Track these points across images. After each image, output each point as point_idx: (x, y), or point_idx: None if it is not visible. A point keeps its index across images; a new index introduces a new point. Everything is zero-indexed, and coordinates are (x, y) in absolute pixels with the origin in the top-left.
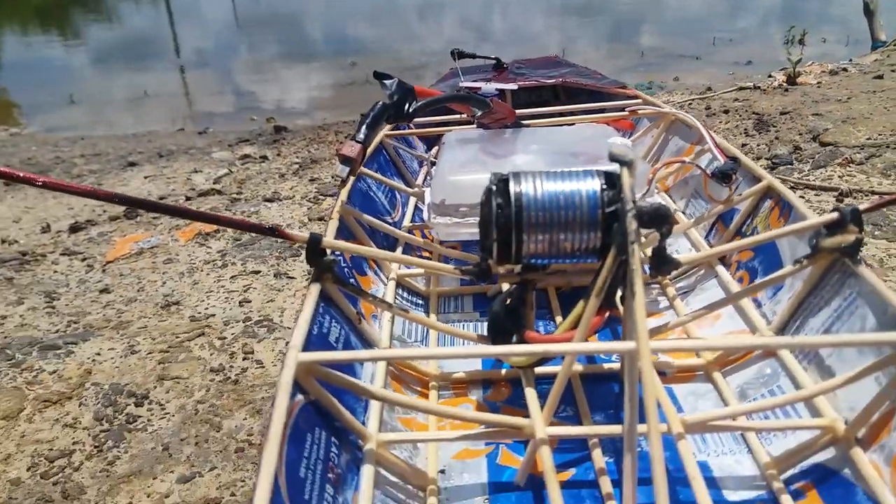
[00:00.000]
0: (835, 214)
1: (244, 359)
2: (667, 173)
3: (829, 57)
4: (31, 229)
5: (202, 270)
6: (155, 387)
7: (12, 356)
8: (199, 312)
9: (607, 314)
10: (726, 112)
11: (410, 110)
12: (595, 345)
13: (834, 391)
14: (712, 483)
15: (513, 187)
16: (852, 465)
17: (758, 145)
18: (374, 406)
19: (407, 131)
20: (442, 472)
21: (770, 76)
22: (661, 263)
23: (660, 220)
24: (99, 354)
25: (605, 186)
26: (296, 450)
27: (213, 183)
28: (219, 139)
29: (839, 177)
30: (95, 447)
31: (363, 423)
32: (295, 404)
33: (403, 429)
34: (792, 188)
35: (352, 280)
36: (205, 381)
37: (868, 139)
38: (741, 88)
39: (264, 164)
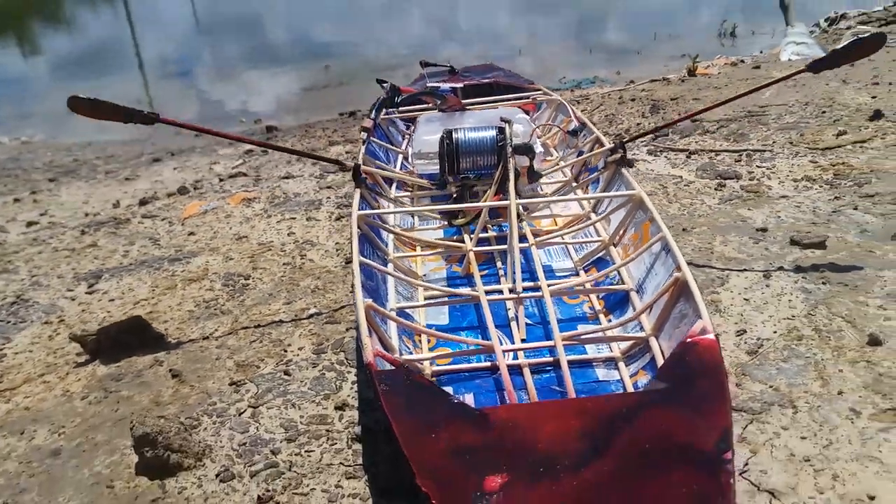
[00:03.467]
0: (613, 146)
1: (301, 258)
2: (550, 133)
3: (757, 46)
4: (103, 207)
5: (254, 220)
6: (251, 273)
7: (151, 265)
8: (263, 241)
9: (500, 196)
10: (633, 100)
11: (398, 101)
12: (494, 203)
13: (607, 220)
14: (548, 269)
15: (453, 135)
16: (610, 257)
17: (648, 123)
18: (391, 241)
19: (394, 115)
20: (425, 275)
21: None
22: (532, 174)
23: (526, 149)
24: (207, 262)
25: (500, 135)
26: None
27: (233, 170)
28: (217, 139)
29: (696, 142)
30: (229, 295)
31: (387, 247)
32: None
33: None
34: (661, 150)
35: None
36: (281, 269)
37: (724, 115)
38: (653, 81)
39: (268, 155)
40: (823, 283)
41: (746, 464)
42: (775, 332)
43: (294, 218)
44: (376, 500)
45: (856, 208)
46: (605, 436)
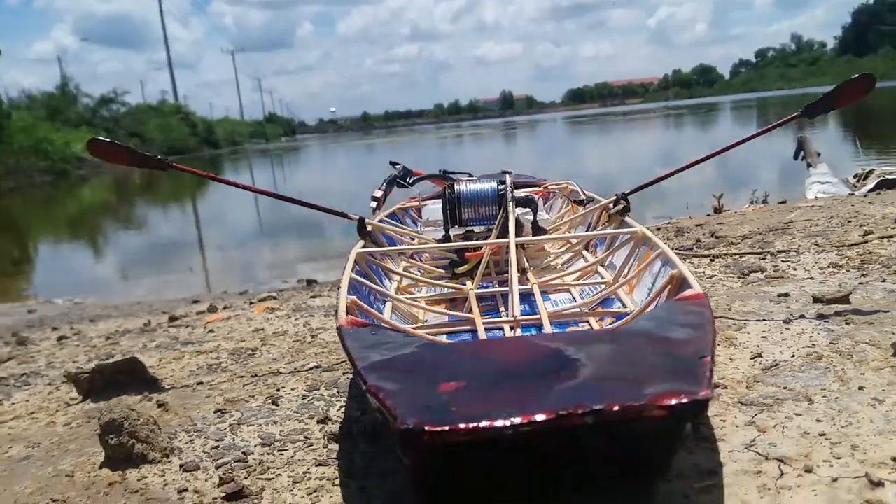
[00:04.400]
0: (616, 198)
1: (312, 337)
2: (560, 211)
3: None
4: (134, 325)
5: (274, 321)
6: (260, 347)
7: (164, 347)
8: (278, 331)
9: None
10: (658, 229)
11: (410, 181)
12: (494, 241)
13: (613, 266)
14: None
15: (456, 187)
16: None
17: (673, 244)
18: (392, 287)
19: (405, 204)
20: (425, 320)
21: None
22: (536, 229)
23: (527, 201)
24: (220, 345)
25: (500, 187)
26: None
27: (264, 294)
28: (261, 296)
29: (720, 251)
30: (233, 360)
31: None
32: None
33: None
34: (683, 257)
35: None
36: (290, 344)
37: (748, 232)
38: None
39: (300, 291)
40: (846, 324)
41: (753, 441)
42: (793, 355)
43: (312, 316)
44: (344, 479)
45: (883, 281)
46: (577, 355)
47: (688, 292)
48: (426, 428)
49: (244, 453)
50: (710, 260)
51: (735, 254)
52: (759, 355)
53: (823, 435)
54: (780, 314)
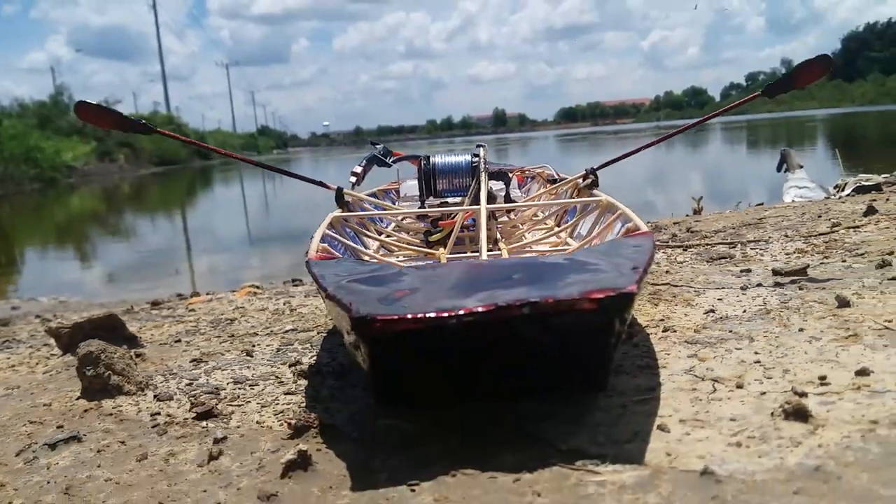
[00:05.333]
0: (585, 172)
1: (291, 311)
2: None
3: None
4: (118, 311)
5: (255, 301)
6: (239, 317)
7: (145, 320)
8: (258, 308)
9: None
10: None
11: (390, 160)
12: (467, 207)
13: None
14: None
15: (431, 159)
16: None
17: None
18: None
19: (385, 187)
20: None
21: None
22: (508, 201)
23: (500, 175)
24: (199, 318)
25: (474, 159)
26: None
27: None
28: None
29: (695, 245)
30: (212, 327)
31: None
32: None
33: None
34: (658, 248)
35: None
36: (268, 316)
37: (721, 228)
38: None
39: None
40: (800, 289)
41: (692, 367)
42: (744, 311)
43: (293, 297)
44: (310, 403)
45: (843, 261)
46: (524, 271)
47: (636, 231)
48: (378, 316)
49: (217, 389)
50: (683, 249)
51: (706, 244)
52: (713, 310)
53: (758, 362)
54: (739, 284)
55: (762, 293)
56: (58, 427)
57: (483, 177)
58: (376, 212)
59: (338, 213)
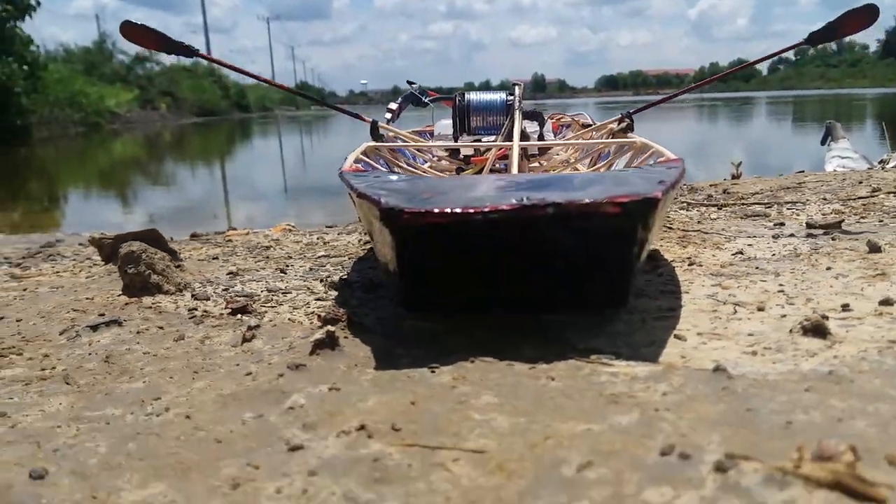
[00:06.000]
0: (621, 116)
1: (324, 244)
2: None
3: None
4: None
5: (290, 236)
6: (274, 245)
7: (183, 244)
8: (293, 240)
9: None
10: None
11: (426, 100)
12: (500, 143)
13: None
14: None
15: (466, 96)
16: None
17: (685, 199)
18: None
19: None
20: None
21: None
22: (541, 139)
23: (535, 115)
24: (235, 244)
25: (509, 97)
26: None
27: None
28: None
29: (729, 205)
30: (248, 252)
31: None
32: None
33: None
34: (692, 205)
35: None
36: (302, 247)
37: (760, 190)
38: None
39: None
40: (833, 239)
41: (715, 293)
42: (773, 255)
43: (326, 233)
44: (340, 307)
45: (881, 220)
46: (555, 182)
47: (667, 159)
48: (406, 209)
49: (251, 294)
50: (718, 208)
51: (742, 203)
52: (741, 252)
53: (782, 291)
54: (771, 234)
55: (793, 242)
56: (99, 314)
57: (517, 114)
58: (408, 144)
59: (372, 143)
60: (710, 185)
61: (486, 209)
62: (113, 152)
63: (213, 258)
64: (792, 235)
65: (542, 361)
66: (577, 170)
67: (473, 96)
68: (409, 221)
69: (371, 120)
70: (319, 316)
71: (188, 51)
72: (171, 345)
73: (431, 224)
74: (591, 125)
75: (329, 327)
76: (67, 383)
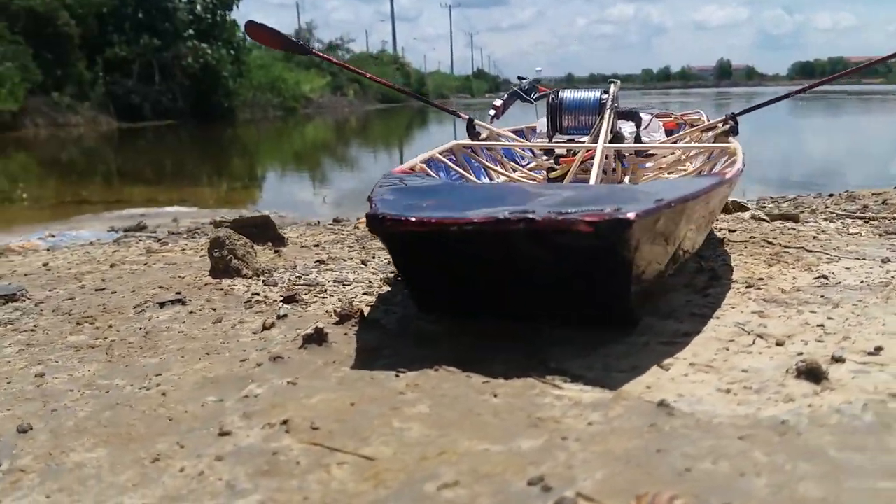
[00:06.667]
0: (725, 118)
1: None
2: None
3: None
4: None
5: None
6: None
7: (316, 231)
8: None
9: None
10: (830, 195)
11: (533, 96)
12: (587, 145)
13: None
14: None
15: (560, 94)
16: None
17: (841, 208)
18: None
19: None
20: None
21: None
22: (637, 142)
23: (631, 115)
24: (351, 232)
25: (603, 95)
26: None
27: None
28: None
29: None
30: (356, 240)
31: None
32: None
33: None
34: (837, 217)
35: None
36: None
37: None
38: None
39: None
40: None
41: (747, 322)
42: (862, 282)
43: None
44: (377, 304)
45: None
46: (558, 196)
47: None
48: (388, 215)
49: (317, 283)
50: (865, 221)
51: (893, 217)
52: (825, 276)
53: (822, 326)
54: (886, 257)
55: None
56: (176, 293)
57: (607, 114)
58: (494, 142)
59: (464, 141)
60: (872, 195)
61: (461, 220)
62: (306, 135)
63: (315, 245)
64: None
65: (502, 377)
66: (682, 170)
67: (567, 94)
68: (390, 228)
69: (468, 117)
70: (335, 312)
71: (301, 48)
72: (208, 326)
73: (409, 231)
74: (702, 122)
75: (332, 327)
76: (106, 353)
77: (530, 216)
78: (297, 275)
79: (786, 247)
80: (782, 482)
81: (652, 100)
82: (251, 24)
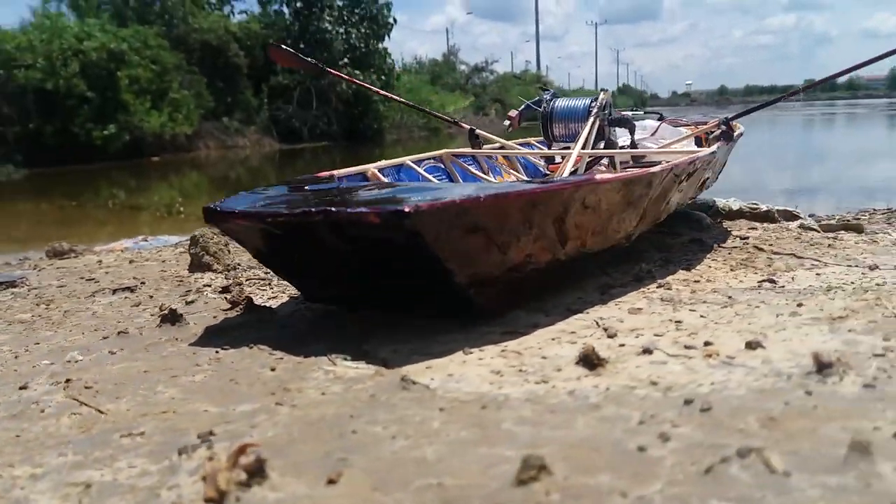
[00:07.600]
0: (719, 122)
1: None
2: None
3: None
4: None
5: None
6: None
7: None
8: None
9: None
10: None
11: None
12: (566, 152)
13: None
14: None
15: (552, 102)
16: None
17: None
18: None
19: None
20: None
21: None
22: (632, 147)
23: (623, 122)
24: None
25: (592, 104)
26: None
27: None
28: None
29: None
30: None
31: None
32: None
33: None
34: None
35: None
36: None
37: None
38: None
39: None
40: None
41: (613, 316)
42: (820, 286)
43: None
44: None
45: None
46: (399, 194)
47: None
48: (217, 209)
49: (265, 278)
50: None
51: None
52: (772, 280)
53: (680, 322)
54: (872, 264)
55: (879, 276)
56: (140, 283)
57: (590, 121)
58: (479, 150)
59: (455, 150)
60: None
61: (270, 214)
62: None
63: None
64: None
65: (303, 356)
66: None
67: (559, 103)
68: (217, 220)
69: (469, 127)
70: (226, 298)
71: (317, 68)
72: (125, 309)
73: (237, 224)
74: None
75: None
76: (29, 327)
77: (330, 209)
78: (256, 270)
79: (775, 253)
80: (417, 444)
81: (814, 111)
82: (273, 47)
